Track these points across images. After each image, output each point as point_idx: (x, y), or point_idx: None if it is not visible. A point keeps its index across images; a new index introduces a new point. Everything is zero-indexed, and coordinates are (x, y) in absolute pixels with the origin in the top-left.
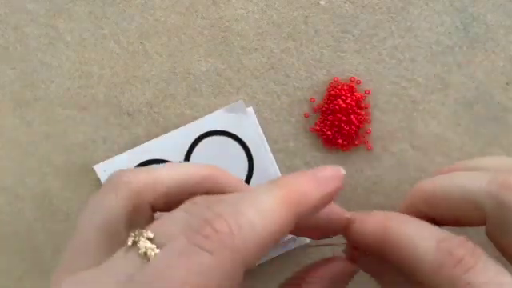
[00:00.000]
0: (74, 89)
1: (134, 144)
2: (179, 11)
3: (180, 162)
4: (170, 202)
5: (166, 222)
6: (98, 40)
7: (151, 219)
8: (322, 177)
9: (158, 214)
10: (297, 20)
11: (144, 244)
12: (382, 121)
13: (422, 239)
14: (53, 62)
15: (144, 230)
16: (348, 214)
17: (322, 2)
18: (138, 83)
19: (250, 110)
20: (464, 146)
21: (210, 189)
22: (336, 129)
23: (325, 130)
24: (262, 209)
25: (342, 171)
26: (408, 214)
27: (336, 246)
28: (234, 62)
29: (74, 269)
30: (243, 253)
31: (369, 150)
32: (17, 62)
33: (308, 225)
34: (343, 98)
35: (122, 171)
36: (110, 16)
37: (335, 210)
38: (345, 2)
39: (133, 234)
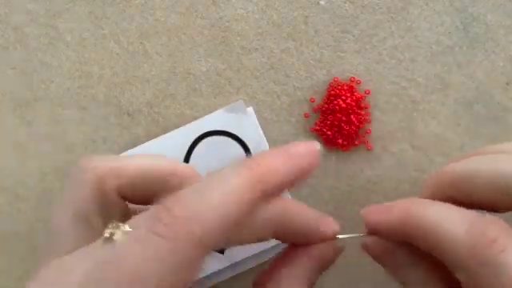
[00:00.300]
0: (73, 89)
1: (134, 144)
2: (179, 11)
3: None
4: (138, 192)
5: (141, 214)
6: (97, 40)
7: (126, 209)
8: (294, 152)
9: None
10: (297, 20)
11: (118, 236)
12: (382, 121)
13: (453, 222)
14: (53, 61)
15: (121, 224)
16: (337, 227)
17: (322, 2)
18: (138, 83)
19: (250, 110)
20: (464, 146)
21: (177, 183)
22: (336, 129)
23: (325, 129)
24: (224, 190)
25: (317, 146)
26: (432, 199)
27: (359, 237)
28: (234, 62)
29: (53, 254)
30: (203, 236)
31: (369, 150)
32: (17, 62)
33: (295, 231)
34: (343, 97)
35: (90, 157)
36: (110, 16)
37: (324, 220)
38: (345, 2)
39: (110, 226)
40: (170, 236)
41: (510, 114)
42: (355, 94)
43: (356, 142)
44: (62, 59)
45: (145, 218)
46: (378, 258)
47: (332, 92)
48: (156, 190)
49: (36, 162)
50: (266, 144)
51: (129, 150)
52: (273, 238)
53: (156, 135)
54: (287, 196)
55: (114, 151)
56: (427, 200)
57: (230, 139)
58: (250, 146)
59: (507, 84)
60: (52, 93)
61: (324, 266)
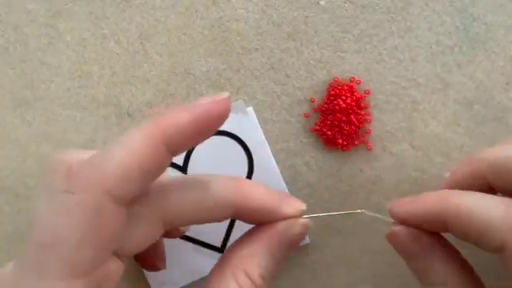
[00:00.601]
0: (73, 89)
1: None
2: (179, 11)
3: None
4: None
5: None
6: (97, 40)
7: None
8: (197, 102)
9: None
10: (297, 20)
11: None
12: (381, 121)
13: (490, 206)
14: (53, 61)
15: None
16: (302, 205)
17: (322, 2)
18: (138, 83)
19: (250, 110)
20: (464, 146)
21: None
22: (336, 129)
23: (325, 129)
24: (125, 143)
25: (224, 94)
26: (465, 187)
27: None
28: (234, 62)
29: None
30: (108, 186)
31: (369, 150)
32: (17, 62)
33: (255, 211)
34: (343, 97)
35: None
36: (110, 16)
37: (286, 200)
38: (345, 2)
39: None
40: (78, 189)
41: (510, 114)
42: (355, 94)
43: (356, 142)
44: (62, 59)
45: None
46: (404, 247)
47: (332, 92)
48: None
49: (36, 162)
50: (266, 144)
51: None
52: (233, 217)
53: None
54: (285, 190)
55: None
56: (461, 191)
57: (230, 139)
58: (250, 146)
59: (507, 84)
60: (52, 93)
61: (291, 243)
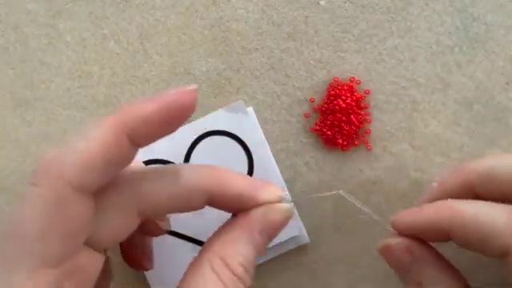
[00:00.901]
0: (73, 89)
1: None
2: (179, 11)
3: (180, 163)
4: None
5: None
6: (97, 40)
7: None
8: (163, 94)
9: None
10: (297, 20)
11: None
12: (381, 121)
13: (494, 215)
14: (53, 62)
15: None
16: (279, 191)
17: (322, 2)
18: (138, 83)
19: (250, 110)
20: (464, 146)
21: None
22: (336, 129)
23: (325, 130)
24: (87, 134)
25: (191, 86)
26: (452, 196)
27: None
28: (234, 62)
29: None
30: (69, 177)
31: (369, 150)
32: (17, 62)
33: (230, 198)
34: (343, 97)
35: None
36: (110, 16)
37: (262, 186)
38: (345, 2)
39: None
40: (41, 182)
41: (510, 114)
42: (355, 94)
43: (356, 142)
44: (62, 59)
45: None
46: (398, 259)
47: (332, 92)
48: None
49: (36, 162)
50: (266, 144)
51: None
52: (210, 205)
53: None
54: (285, 191)
55: None
56: (463, 200)
57: (230, 139)
58: (250, 146)
59: (507, 84)
60: (52, 93)
61: (272, 230)
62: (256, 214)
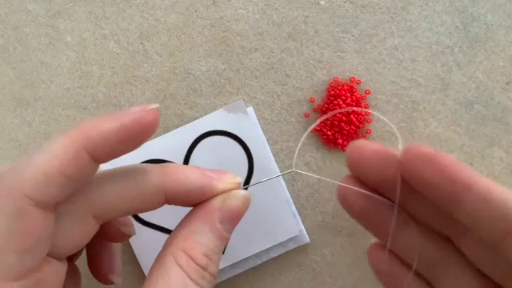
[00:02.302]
0: (73, 89)
1: None
2: (179, 11)
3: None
4: None
5: None
6: (97, 40)
7: None
8: (124, 112)
9: None
10: (297, 20)
11: None
12: (382, 121)
13: (507, 192)
14: (53, 61)
15: None
16: (236, 178)
17: (322, 2)
18: (138, 83)
19: (250, 110)
20: (464, 146)
21: None
22: (336, 129)
23: (325, 130)
24: (46, 149)
25: (154, 105)
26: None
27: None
28: (234, 62)
29: None
30: (28, 191)
31: None
32: (17, 62)
33: (187, 192)
34: (343, 98)
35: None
36: (110, 16)
37: (217, 175)
38: (345, 2)
39: None
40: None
41: (510, 114)
42: (355, 94)
43: None
44: (62, 59)
45: None
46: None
47: (332, 92)
48: None
49: None
50: (266, 144)
51: None
52: (168, 203)
53: (156, 135)
54: (287, 197)
55: None
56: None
57: (230, 139)
58: (250, 146)
59: (507, 84)
60: (52, 93)
61: (233, 217)
62: (214, 203)
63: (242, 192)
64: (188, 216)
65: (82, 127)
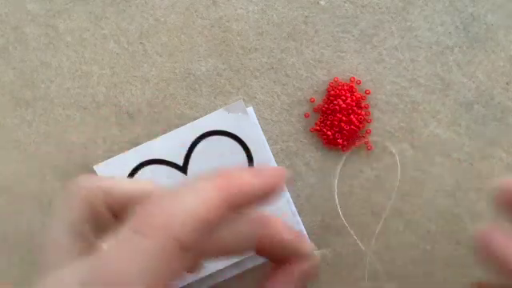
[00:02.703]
0: (73, 89)
1: (134, 144)
2: (179, 11)
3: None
4: (125, 211)
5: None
6: (97, 40)
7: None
8: (263, 171)
9: None
10: (297, 20)
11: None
12: (382, 121)
13: None
14: (53, 61)
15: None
16: (312, 245)
17: (322, 2)
18: (138, 83)
19: (250, 110)
20: (464, 146)
21: None
22: (336, 129)
23: (325, 130)
24: (198, 194)
25: (285, 171)
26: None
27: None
28: (234, 62)
29: (49, 269)
30: (179, 233)
31: (369, 150)
32: (17, 62)
33: (275, 247)
34: (343, 97)
35: (83, 177)
36: (110, 16)
37: (302, 239)
38: (345, 2)
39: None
40: (149, 233)
41: (510, 114)
42: (355, 94)
43: (356, 142)
44: (62, 59)
45: (124, 229)
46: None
47: (332, 92)
48: None
49: (36, 162)
50: (266, 144)
51: (129, 150)
52: (255, 252)
53: (156, 135)
54: (287, 197)
55: (114, 151)
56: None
57: (230, 139)
58: (250, 146)
59: (507, 84)
60: (52, 93)
61: (308, 280)
62: (301, 268)
63: (318, 256)
64: (273, 276)
65: (227, 177)
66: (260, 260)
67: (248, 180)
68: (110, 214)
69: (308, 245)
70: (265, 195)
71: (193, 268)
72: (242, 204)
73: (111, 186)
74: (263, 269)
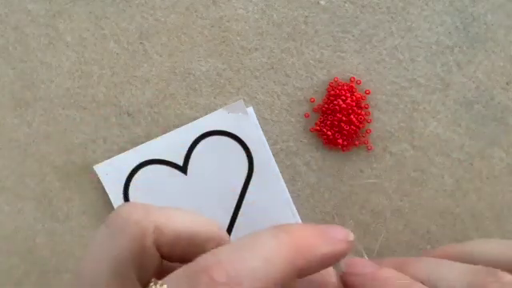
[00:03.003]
0: (73, 89)
1: (134, 144)
2: (179, 11)
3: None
4: (176, 251)
5: (178, 272)
6: (97, 40)
7: (160, 264)
8: (331, 234)
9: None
10: (297, 20)
11: None
12: (382, 121)
13: (454, 279)
14: (53, 61)
15: (160, 282)
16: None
17: (322, 2)
18: (138, 83)
19: (250, 110)
20: (464, 146)
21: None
22: (336, 129)
23: (325, 130)
24: (265, 255)
25: (352, 236)
26: None
27: None
28: (234, 62)
29: None
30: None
31: (369, 150)
32: (17, 62)
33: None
34: (343, 97)
35: (131, 207)
36: (110, 16)
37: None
38: (345, 2)
39: (151, 285)
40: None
41: (510, 114)
42: (355, 94)
43: (356, 142)
44: (62, 59)
45: (183, 277)
46: None
47: (332, 92)
48: (194, 251)
49: (36, 162)
50: (266, 144)
51: (129, 150)
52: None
53: (156, 135)
54: (287, 197)
55: (114, 151)
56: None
57: (230, 139)
58: (250, 146)
59: (507, 84)
60: (52, 93)
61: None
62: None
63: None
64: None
65: (296, 242)
66: None
67: (318, 245)
68: (157, 253)
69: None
70: (331, 262)
71: None
72: (312, 269)
73: (166, 220)
74: None
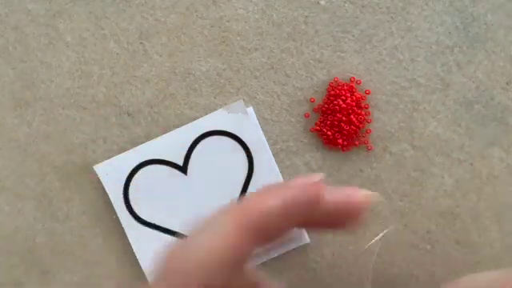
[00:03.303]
0: (73, 89)
1: (134, 144)
2: (179, 11)
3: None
4: None
5: None
6: (97, 40)
7: None
8: (287, 185)
9: None
10: (297, 20)
11: None
12: (382, 121)
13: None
14: (53, 61)
15: None
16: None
17: (322, 2)
18: (138, 83)
19: (250, 110)
20: (464, 146)
21: None
22: (336, 129)
23: (325, 130)
24: (215, 230)
25: (317, 177)
26: None
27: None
28: (234, 62)
29: None
30: (196, 275)
31: (369, 150)
32: (17, 62)
33: (322, 215)
34: (343, 97)
35: (171, 253)
36: (110, 16)
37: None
38: (345, 2)
39: None
40: (167, 278)
41: (510, 113)
42: (355, 94)
43: (356, 142)
44: (62, 59)
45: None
46: None
47: (332, 92)
48: None
49: (36, 162)
50: (266, 144)
51: (129, 150)
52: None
53: (156, 135)
54: None
55: (114, 151)
56: None
57: (230, 139)
58: (250, 146)
59: (507, 84)
60: (52, 93)
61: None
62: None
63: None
64: None
65: (245, 206)
66: (260, 260)
67: (268, 201)
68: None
69: (360, 196)
70: (294, 213)
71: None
72: (270, 229)
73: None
74: (263, 268)
